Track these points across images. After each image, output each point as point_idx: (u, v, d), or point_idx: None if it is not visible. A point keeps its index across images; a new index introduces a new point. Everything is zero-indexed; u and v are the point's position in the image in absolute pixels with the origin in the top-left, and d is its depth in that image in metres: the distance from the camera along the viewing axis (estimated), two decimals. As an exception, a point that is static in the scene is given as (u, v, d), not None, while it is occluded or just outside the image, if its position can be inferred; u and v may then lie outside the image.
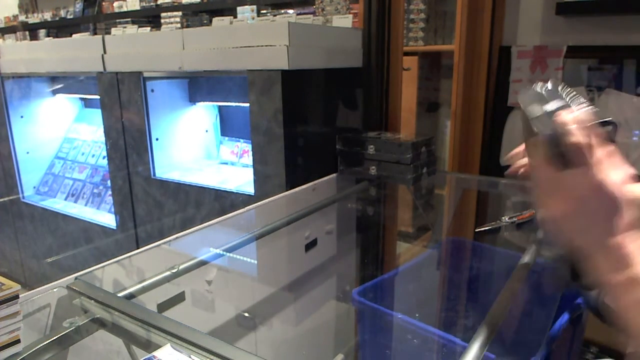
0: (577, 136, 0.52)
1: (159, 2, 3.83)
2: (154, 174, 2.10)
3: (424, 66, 2.93)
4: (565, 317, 1.07)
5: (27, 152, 2.84)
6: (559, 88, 0.60)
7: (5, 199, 2.89)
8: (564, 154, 0.53)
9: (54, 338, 0.82)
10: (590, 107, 0.56)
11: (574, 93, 0.59)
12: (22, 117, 2.75)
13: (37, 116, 2.83)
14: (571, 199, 0.53)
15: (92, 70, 2.17)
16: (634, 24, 1.61)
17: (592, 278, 0.54)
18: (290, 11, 2.97)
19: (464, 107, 1.93)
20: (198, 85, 2.26)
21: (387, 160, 1.70)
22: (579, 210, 0.53)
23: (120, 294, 0.99)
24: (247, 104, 1.68)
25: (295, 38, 1.55)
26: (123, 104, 2.09)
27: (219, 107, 2.45)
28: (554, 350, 1.03)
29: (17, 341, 0.74)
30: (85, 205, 2.74)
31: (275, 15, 2.74)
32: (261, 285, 1.64)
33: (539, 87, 0.61)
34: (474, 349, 0.74)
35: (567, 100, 0.58)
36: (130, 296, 1.01)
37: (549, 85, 0.60)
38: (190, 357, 0.71)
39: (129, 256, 1.15)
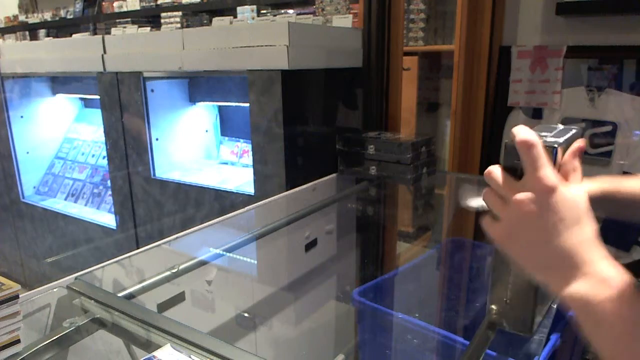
0: (525, 136, 0.51)
1: (159, 2, 3.83)
2: (154, 174, 2.10)
3: (424, 66, 2.93)
4: (568, 314, 1.07)
5: (27, 152, 2.83)
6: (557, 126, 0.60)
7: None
8: (518, 165, 0.53)
9: (54, 338, 0.82)
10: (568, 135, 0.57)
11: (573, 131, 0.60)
12: (22, 117, 2.75)
13: (37, 116, 2.83)
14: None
15: (92, 70, 2.16)
16: (634, 24, 1.61)
17: (551, 291, 0.52)
18: (290, 11, 2.96)
19: (464, 107, 1.93)
20: (198, 85, 2.26)
21: (387, 160, 1.70)
22: (533, 217, 0.51)
23: (120, 294, 0.99)
24: (247, 104, 1.68)
25: (295, 38, 1.55)
26: (123, 104, 2.09)
27: (219, 107, 2.45)
28: (557, 348, 1.03)
29: (17, 341, 0.74)
30: (85, 205, 2.74)
31: (275, 15, 2.74)
32: (261, 285, 1.64)
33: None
34: (476, 346, 0.74)
35: (555, 132, 0.59)
36: (130, 296, 1.01)
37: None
38: (190, 357, 0.71)
39: (129, 256, 1.15)
